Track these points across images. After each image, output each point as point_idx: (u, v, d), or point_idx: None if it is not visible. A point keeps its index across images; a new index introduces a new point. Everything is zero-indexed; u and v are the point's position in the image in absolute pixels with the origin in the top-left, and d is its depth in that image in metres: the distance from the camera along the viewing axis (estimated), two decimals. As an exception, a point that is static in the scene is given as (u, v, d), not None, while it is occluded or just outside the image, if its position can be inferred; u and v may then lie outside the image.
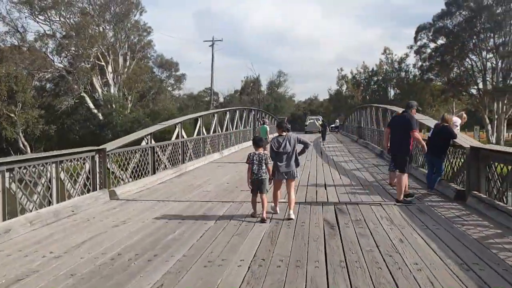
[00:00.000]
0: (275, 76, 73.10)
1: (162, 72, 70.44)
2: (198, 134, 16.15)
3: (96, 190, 8.42)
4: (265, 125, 17.38)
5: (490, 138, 51.15)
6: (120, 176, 9.66)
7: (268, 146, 7.71)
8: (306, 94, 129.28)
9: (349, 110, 59.44)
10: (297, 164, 7.06)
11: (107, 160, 8.91)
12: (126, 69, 57.20)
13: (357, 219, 6.62)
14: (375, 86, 63.09)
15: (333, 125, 56.24)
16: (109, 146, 9.20)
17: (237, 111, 23.97)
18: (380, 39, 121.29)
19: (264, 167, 6.96)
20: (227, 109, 22.38)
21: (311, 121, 52.10)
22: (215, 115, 18.76)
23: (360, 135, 27.63)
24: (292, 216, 6.80)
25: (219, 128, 19.19)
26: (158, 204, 8.08)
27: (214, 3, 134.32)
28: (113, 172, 9.37)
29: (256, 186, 6.96)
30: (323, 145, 26.62)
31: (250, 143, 25.71)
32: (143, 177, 10.57)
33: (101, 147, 8.83)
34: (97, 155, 8.53)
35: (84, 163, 8.19)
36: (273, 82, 70.21)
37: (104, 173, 8.67)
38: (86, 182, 8.21)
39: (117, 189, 8.99)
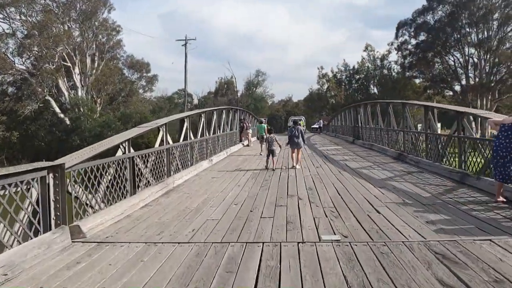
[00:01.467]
0: (253, 75, 70.36)
1: (133, 73, 67.17)
2: (185, 138, 13.26)
3: (50, 229, 5.47)
4: (262, 124, 20.62)
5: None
6: (88, 202, 6.71)
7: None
8: (278, 96, 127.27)
9: (332, 109, 57.25)
10: (303, 141, 13.57)
11: (67, 180, 5.99)
12: (94, 71, 53.74)
13: (494, 279, 3.91)
14: (356, 84, 60.78)
15: (315, 125, 53.95)
16: (69, 160, 6.22)
17: (223, 112, 21.13)
18: (348, 40, 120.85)
19: (274, 143, 13.49)
20: (214, 108, 19.47)
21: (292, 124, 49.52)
22: (202, 115, 15.87)
23: (357, 135, 25.11)
24: (298, 167, 13.10)
25: (206, 131, 16.30)
26: (149, 250, 5.18)
27: (180, 6, 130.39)
28: (76, 197, 6.43)
29: (270, 152, 13.33)
30: (318, 138, 24.14)
31: (239, 147, 22.92)
32: (120, 200, 7.65)
33: (56, 162, 5.85)
34: (50, 175, 5.59)
35: (28, 190, 5.23)
36: (251, 82, 67.02)
37: (62, 202, 5.72)
38: (33, 219, 5.25)
39: (83, 222, 6.06)
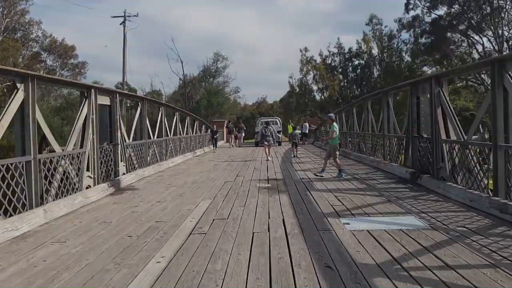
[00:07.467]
0: (211, 60, 51.21)
1: (55, 59, 50.99)
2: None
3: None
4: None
5: None
6: None
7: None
8: (249, 100, 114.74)
9: (320, 108, 41.44)
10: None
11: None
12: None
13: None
14: (354, 73, 43.61)
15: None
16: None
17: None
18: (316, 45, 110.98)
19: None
20: None
21: (264, 125, 31.08)
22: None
23: (427, 166, 9.08)
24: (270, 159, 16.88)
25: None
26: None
27: (146, 8, 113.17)
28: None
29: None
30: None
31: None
32: None
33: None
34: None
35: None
36: (207, 69, 48.90)
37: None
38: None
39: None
